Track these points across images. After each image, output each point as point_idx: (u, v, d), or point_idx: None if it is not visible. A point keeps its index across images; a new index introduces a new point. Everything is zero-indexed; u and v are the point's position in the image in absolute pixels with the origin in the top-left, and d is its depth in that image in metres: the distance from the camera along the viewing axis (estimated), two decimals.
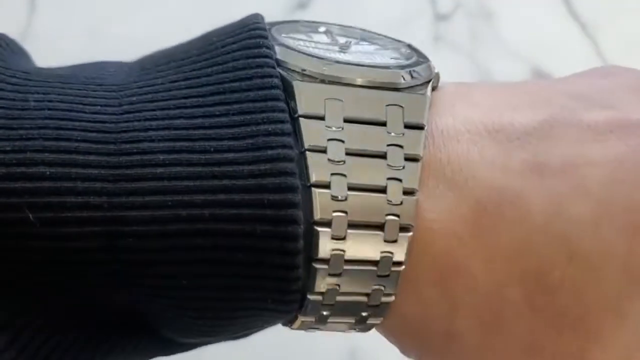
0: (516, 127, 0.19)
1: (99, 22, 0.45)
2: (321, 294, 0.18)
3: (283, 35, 0.20)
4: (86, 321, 0.18)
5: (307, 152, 0.17)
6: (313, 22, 0.21)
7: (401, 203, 0.18)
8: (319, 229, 0.17)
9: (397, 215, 0.18)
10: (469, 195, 0.18)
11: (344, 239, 0.18)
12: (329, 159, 0.18)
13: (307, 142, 0.17)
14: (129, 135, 0.17)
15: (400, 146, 0.18)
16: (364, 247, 0.18)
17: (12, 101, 0.17)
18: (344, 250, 0.18)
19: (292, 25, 0.21)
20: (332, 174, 0.18)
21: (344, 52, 0.20)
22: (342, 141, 0.18)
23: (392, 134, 0.18)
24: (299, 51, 0.19)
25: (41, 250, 0.16)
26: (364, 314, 0.19)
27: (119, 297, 0.18)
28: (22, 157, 0.16)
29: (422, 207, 0.18)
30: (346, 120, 0.18)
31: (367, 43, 0.21)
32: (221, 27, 0.20)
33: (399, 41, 0.21)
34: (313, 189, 0.17)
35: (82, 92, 0.18)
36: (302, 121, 0.18)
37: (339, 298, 0.18)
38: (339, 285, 0.18)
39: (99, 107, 0.17)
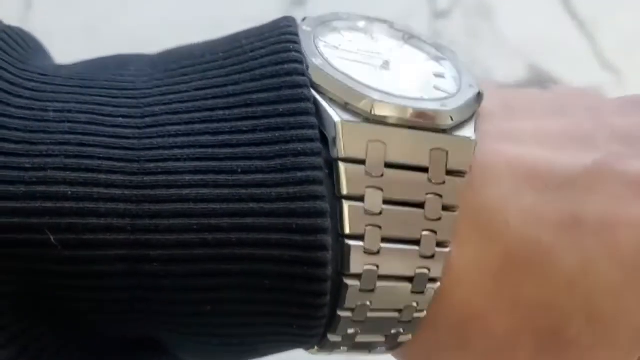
0: (557, 174, 0.18)
1: (95, 19, 0.45)
2: (351, 310, 0.18)
3: (321, 41, 0.19)
4: (98, 340, 0.18)
5: (343, 200, 0.17)
6: (350, 15, 0.20)
7: (433, 256, 0.18)
8: (349, 282, 0.17)
9: (428, 269, 0.18)
10: (500, 246, 0.18)
11: (372, 291, 0.17)
12: (365, 210, 0.17)
13: (344, 189, 0.17)
14: (152, 153, 0.16)
15: (440, 195, 0.18)
16: (391, 298, 0.18)
17: (30, 111, 0.16)
18: (370, 302, 0.17)
19: (329, 24, 0.19)
20: (367, 225, 0.17)
21: (387, 70, 0.19)
22: (381, 189, 0.17)
23: (433, 181, 0.18)
24: (341, 73, 0.18)
25: (61, 274, 0.16)
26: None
27: (140, 323, 0.17)
28: (43, 175, 0.15)
29: (452, 255, 0.18)
30: (387, 165, 0.17)
31: (409, 46, 0.20)
32: (251, 29, 0.19)
33: (442, 47, 0.20)
34: (346, 240, 0.17)
35: (102, 100, 0.17)
36: (341, 165, 0.17)
37: (370, 314, 0.18)
38: (370, 302, 0.18)
39: (120, 120, 0.16)
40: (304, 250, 0.16)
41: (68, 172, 0.15)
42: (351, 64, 0.18)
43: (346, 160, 0.17)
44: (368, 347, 0.19)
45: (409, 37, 0.20)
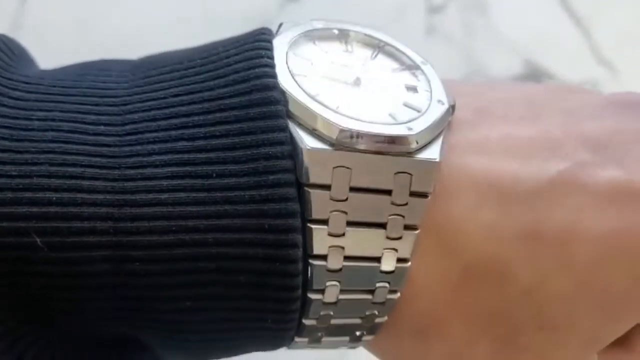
0: (521, 187, 0.19)
1: (89, 14, 0.45)
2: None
3: (294, 55, 0.19)
4: (85, 339, 0.19)
5: (308, 224, 0.18)
6: (327, 22, 0.20)
7: (393, 271, 0.19)
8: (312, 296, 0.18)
9: (388, 282, 0.19)
10: (459, 261, 0.19)
11: (335, 304, 0.19)
12: (329, 233, 0.18)
13: (310, 214, 0.17)
14: (132, 160, 0.17)
15: (402, 216, 0.18)
16: (351, 310, 0.19)
17: (15, 120, 0.17)
18: (339, 282, 0.19)
19: (304, 33, 0.20)
20: (331, 247, 0.18)
21: (358, 87, 0.19)
22: (345, 213, 0.18)
23: (397, 203, 0.18)
24: (310, 97, 0.18)
25: (48, 274, 0.16)
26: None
27: (124, 321, 0.18)
28: (29, 182, 0.16)
29: (413, 269, 0.19)
30: (352, 189, 0.18)
31: (384, 56, 0.20)
32: (230, 37, 0.20)
33: (416, 56, 0.21)
34: (310, 259, 0.18)
35: (84, 108, 0.18)
36: (307, 190, 0.17)
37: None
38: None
39: (102, 127, 0.17)
40: (276, 249, 0.17)
41: (53, 179, 0.16)
42: (321, 81, 0.19)
43: (312, 186, 0.17)
44: (347, 332, 0.20)
45: (384, 45, 0.21)
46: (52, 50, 0.21)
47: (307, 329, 0.19)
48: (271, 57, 0.18)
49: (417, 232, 0.19)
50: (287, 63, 0.19)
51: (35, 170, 0.16)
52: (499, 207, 0.19)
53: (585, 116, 0.21)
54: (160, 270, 0.17)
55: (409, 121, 0.19)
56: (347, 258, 0.18)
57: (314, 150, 0.17)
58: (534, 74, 0.48)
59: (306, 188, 0.17)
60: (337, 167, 0.18)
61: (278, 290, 0.18)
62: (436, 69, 0.21)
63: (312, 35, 0.20)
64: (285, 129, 0.17)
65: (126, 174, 0.17)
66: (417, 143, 0.18)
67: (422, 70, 0.20)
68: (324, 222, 0.18)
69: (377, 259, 0.19)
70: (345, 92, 0.19)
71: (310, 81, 0.19)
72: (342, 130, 0.17)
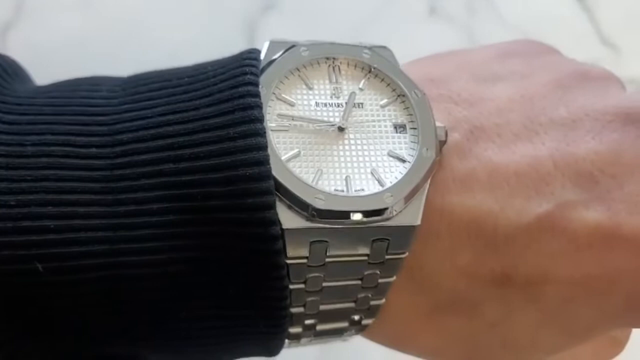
0: (499, 232, 0.19)
1: None
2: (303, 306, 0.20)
3: (276, 100, 0.19)
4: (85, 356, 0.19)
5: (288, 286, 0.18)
6: (313, 56, 0.20)
7: (368, 309, 0.20)
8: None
9: (362, 317, 0.21)
10: (432, 297, 0.20)
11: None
12: (306, 290, 0.19)
13: (290, 278, 0.18)
14: (123, 185, 0.18)
15: (378, 272, 0.19)
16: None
17: (9, 147, 0.18)
18: (319, 300, 0.20)
19: (291, 71, 0.20)
20: (308, 300, 0.19)
21: (339, 142, 0.19)
22: (322, 274, 0.19)
23: (373, 262, 0.19)
24: (288, 172, 0.18)
25: (48, 296, 0.17)
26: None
27: (121, 336, 0.18)
28: (27, 211, 0.17)
29: (388, 300, 0.20)
30: (329, 257, 0.18)
31: (374, 85, 0.20)
32: (221, 58, 0.20)
33: (409, 80, 0.20)
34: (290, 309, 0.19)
35: (75, 129, 0.18)
36: (285, 262, 0.18)
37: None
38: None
39: (93, 150, 0.18)
40: (260, 270, 0.18)
41: (50, 207, 0.17)
42: (301, 138, 0.19)
43: (290, 258, 0.18)
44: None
45: (374, 74, 0.20)
46: (55, 34, 0.21)
47: (296, 317, 0.20)
48: (255, 74, 0.19)
49: (392, 279, 0.20)
50: (266, 116, 0.18)
51: (32, 199, 0.17)
52: (474, 252, 0.19)
53: (585, 133, 0.20)
54: (154, 286, 0.18)
55: (391, 185, 0.19)
56: (323, 304, 0.20)
57: (291, 230, 0.18)
58: None
59: (285, 260, 0.18)
60: (315, 241, 0.18)
61: (268, 299, 0.18)
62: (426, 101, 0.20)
63: (298, 66, 0.20)
64: (265, 147, 0.17)
65: (119, 198, 0.17)
66: (396, 212, 0.18)
67: (411, 100, 0.20)
68: (302, 282, 0.19)
69: (353, 301, 0.20)
70: (325, 153, 0.19)
71: (288, 140, 0.19)
72: (320, 210, 0.18)
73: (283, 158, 0.18)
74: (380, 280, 0.19)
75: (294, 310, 0.19)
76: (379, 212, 0.18)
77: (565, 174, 0.20)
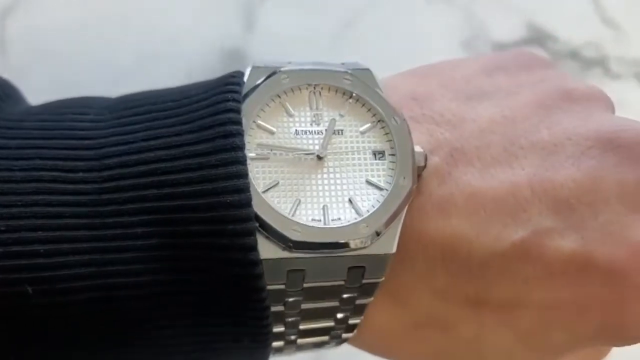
0: (474, 256, 0.20)
1: None
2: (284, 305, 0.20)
3: (254, 129, 0.19)
4: None
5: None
6: (295, 84, 0.20)
7: (347, 326, 0.21)
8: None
9: (341, 332, 0.21)
10: (409, 317, 0.21)
11: (296, 332, 0.21)
12: (285, 312, 0.20)
13: (268, 301, 0.19)
14: (110, 209, 0.18)
15: (355, 295, 0.20)
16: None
17: None
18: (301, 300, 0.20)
19: (272, 98, 0.20)
20: (287, 320, 0.20)
21: (318, 171, 0.19)
22: (300, 299, 0.19)
23: (350, 287, 0.19)
24: (265, 203, 0.18)
25: (39, 317, 0.18)
26: (339, 315, 0.21)
27: (110, 351, 0.19)
28: (17, 236, 0.17)
29: (368, 317, 0.21)
30: (307, 283, 0.19)
31: (354, 111, 0.20)
32: (207, 81, 0.20)
33: (388, 106, 0.21)
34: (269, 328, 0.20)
35: (63, 154, 0.19)
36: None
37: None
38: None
39: (80, 174, 0.18)
40: (241, 288, 0.18)
41: (39, 232, 0.18)
42: (280, 168, 0.19)
43: (269, 284, 0.18)
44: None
45: (355, 99, 0.21)
46: (53, 16, 0.21)
47: (278, 334, 0.21)
48: (237, 100, 0.19)
49: (370, 299, 0.20)
50: (247, 145, 0.19)
51: (22, 224, 0.18)
52: (448, 276, 0.20)
53: (565, 158, 0.20)
54: (141, 307, 0.18)
55: (367, 215, 0.19)
56: (302, 330, 0.21)
57: (268, 260, 0.18)
58: (537, 37, 0.47)
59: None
60: (292, 270, 0.19)
61: (251, 319, 0.19)
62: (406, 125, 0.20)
63: (280, 95, 0.20)
64: (245, 175, 0.18)
65: (105, 222, 0.18)
66: (371, 241, 0.19)
67: (391, 127, 0.20)
68: (281, 305, 0.19)
69: (332, 320, 0.21)
70: (303, 182, 0.19)
71: (267, 169, 0.19)
72: (296, 242, 0.18)
73: (261, 189, 0.19)
74: (357, 302, 0.20)
75: (275, 329, 0.20)
76: (355, 242, 0.19)
77: (542, 201, 0.20)
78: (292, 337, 0.21)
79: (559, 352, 0.22)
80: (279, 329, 0.20)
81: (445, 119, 0.21)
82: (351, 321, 0.21)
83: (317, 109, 0.20)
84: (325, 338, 0.22)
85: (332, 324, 0.21)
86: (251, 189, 0.18)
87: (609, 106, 0.23)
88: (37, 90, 0.41)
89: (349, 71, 0.21)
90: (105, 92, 0.41)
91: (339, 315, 0.21)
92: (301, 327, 0.21)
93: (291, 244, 0.18)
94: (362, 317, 0.21)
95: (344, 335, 0.22)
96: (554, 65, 0.24)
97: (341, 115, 0.20)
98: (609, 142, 0.21)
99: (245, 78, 0.20)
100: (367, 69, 0.22)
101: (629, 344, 0.21)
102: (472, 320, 0.21)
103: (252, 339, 0.20)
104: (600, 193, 0.20)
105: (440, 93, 0.22)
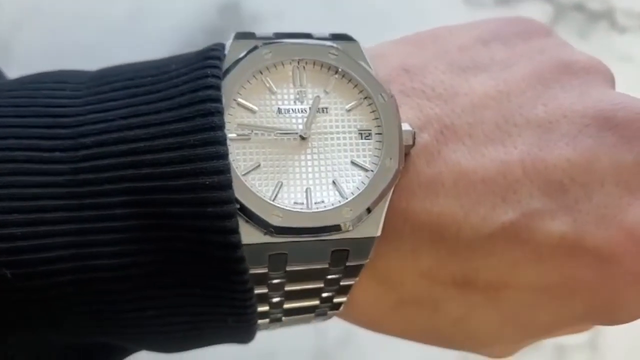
0: (461, 237, 0.19)
1: None
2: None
3: (235, 108, 0.19)
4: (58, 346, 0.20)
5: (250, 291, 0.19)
6: (277, 59, 0.19)
7: (332, 305, 0.21)
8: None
9: (327, 310, 0.21)
10: (395, 295, 0.20)
11: (280, 311, 0.21)
12: (269, 293, 0.19)
13: (250, 284, 0.18)
14: (87, 189, 0.18)
15: (339, 276, 0.19)
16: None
17: None
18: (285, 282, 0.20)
19: (253, 75, 0.19)
20: (272, 301, 0.20)
21: (301, 153, 0.19)
22: (283, 281, 0.19)
23: (334, 270, 0.19)
24: (246, 187, 0.18)
25: (20, 300, 0.18)
26: (324, 294, 0.21)
27: (93, 331, 0.19)
28: None
29: (354, 295, 0.21)
30: (290, 266, 0.19)
31: (339, 87, 0.20)
32: (187, 53, 0.19)
33: (369, 92, 0.20)
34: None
35: (39, 132, 0.18)
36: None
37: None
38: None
39: (57, 154, 0.18)
40: (223, 271, 0.18)
41: (15, 215, 0.17)
42: (262, 148, 0.18)
43: (250, 268, 0.18)
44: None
45: (340, 74, 0.20)
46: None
47: (262, 313, 0.20)
48: (217, 76, 0.18)
49: (356, 279, 0.20)
50: (227, 125, 0.18)
51: None
52: (436, 255, 0.19)
53: (560, 137, 0.20)
54: (121, 289, 0.18)
55: (351, 198, 0.18)
56: (286, 311, 0.21)
57: (249, 245, 0.18)
58: None
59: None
60: (273, 254, 0.18)
61: (233, 300, 0.19)
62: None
63: (262, 71, 0.19)
64: (225, 156, 0.17)
65: (83, 203, 0.17)
66: (355, 225, 0.18)
67: (377, 104, 0.19)
68: (266, 287, 0.19)
69: (315, 307, 0.21)
70: (285, 164, 0.19)
71: (249, 150, 0.18)
72: (277, 227, 0.18)
73: (242, 171, 0.18)
74: (342, 283, 0.20)
75: (260, 308, 0.20)
76: (338, 226, 0.18)
77: (534, 182, 0.19)
78: (278, 316, 0.21)
79: (546, 332, 0.22)
80: (263, 308, 0.20)
81: (436, 92, 0.20)
82: (336, 300, 0.21)
83: (301, 85, 0.19)
84: (311, 315, 0.22)
85: (317, 302, 0.21)
86: (231, 171, 0.18)
87: (609, 79, 0.22)
88: (28, 45, 0.40)
89: (335, 45, 0.20)
90: (98, 44, 0.40)
91: (324, 295, 0.20)
92: (286, 306, 0.21)
93: (272, 230, 0.18)
94: (347, 296, 0.21)
95: (330, 313, 0.22)
96: (554, 33, 0.23)
97: (326, 92, 0.19)
98: (606, 121, 0.20)
99: (226, 51, 0.19)
100: (355, 41, 0.20)
101: (617, 324, 0.21)
102: (459, 300, 0.20)
103: (236, 319, 0.19)
104: (595, 174, 0.19)
105: (433, 65, 0.21)
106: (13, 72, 0.23)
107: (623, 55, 0.49)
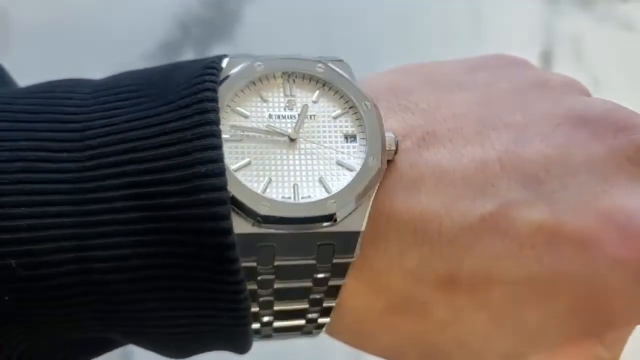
0: (443, 233, 0.20)
1: None
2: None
3: (229, 112, 0.20)
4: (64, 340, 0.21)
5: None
6: (268, 71, 0.21)
7: (321, 309, 0.21)
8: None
9: (317, 317, 0.22)
10: (383, 298, 0.21)
11: (271, 314, 0.21)
12: (259, 291, 0.20)
13: (242, 274, 0.19)
14: (92, 185, 0.19)
15: (327, 276, 0.20)
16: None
17: None
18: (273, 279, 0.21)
19: (247, 85, 0.20)
20: (261, 300, 0.21)
21: (290, 151, 0.20)
22: (272, 278, 0.20)
23: (322, 266, 0.20)
24: (236, 180, 0.19)
25: (23, 290, 0.18)
26: (313, 296, 0.21)
27: (93, 324, 0.20)
28: (2, 212, 0.18)
29: (343, 301, 0.21)
30: (278, 260, 0.19)
31: (326, 99, 0.21)
32: (192, 61, 0.21)
33: (360, 94, 0.21)
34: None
35: (49, 135, 0.19)
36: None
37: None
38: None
39: (65, 154, 0.19)
40: (215, 258, 0.19)
41: (23, 208, 0.18)
42: (254, 147, 0.20)
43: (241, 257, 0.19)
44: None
45: (327, 87, 0.21)
46: None
47: (253, 314, 0.21)
48: (215, 82, 0.20)
49: (343, 280, 0.20)
50: (221, 127, 0.19)
51: (7, 201, 0.18)
52: (420, 255, 0.20)
53: (535, 135, 0.21)
54: (121, 279, 0.19)
55: (335, 192, 0.19)
56: (276, 313, 0.21)
57: (238, 234, 0.18)
58: None
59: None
60: (262, 246, 0.19)
61: (226, 292, 0.19)
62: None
63: (254, 82, 0.21)
64: (219, 147, 0.18)
65: (87, 197, 0.19)
66: (340, 218, 0.19)
67: (361, 111, 0.21)
68: (256, 284, 0.20)
69: (304, 309, 0.21)
70: (275, 162, 0.20)
71: (240, 149, 0.20)
72: (264, 217, 0.19)
73: (233, 167, 0.19)
74: (331, 283, 0.20)
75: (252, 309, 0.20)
76: (322, 218, 0.19)
77: (511, 176, 0.20)
78: (268, 318, 0.22)
79: (538, 336, 0.21)
80: (254, 309, 0.21)
81: (420, 107, 0.21)
82: (326, 304, 0.21)
83: (290, 95, 0.21)
84: (302, 322, 0.22)
85: (306, 305, 0.21)
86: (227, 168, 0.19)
87: (585, 93, 0.23)
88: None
89: (323, 60, 0.22)
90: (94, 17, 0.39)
91: (313, 297, 0.21)
92: (276, 307, 0.21)
93: (260, 219, 0.19)
94: (336, 300, 0.21)
95: (320, 320, 0.22)
96: (536, 67, 0.25)
97: (314, 102, 0.21)
98: (578, 119, 0.21)
99: (223, 65, 0.21)
100: (342, 61, 0.22)
101: (616, 327, 0.21)
102: (445, 302, 0.21)
103: (230, 314, 0.20)
104: (570, 166, 0.20)
105: (419, 87, 0.22)
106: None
107: (625, 23, 0.49)
